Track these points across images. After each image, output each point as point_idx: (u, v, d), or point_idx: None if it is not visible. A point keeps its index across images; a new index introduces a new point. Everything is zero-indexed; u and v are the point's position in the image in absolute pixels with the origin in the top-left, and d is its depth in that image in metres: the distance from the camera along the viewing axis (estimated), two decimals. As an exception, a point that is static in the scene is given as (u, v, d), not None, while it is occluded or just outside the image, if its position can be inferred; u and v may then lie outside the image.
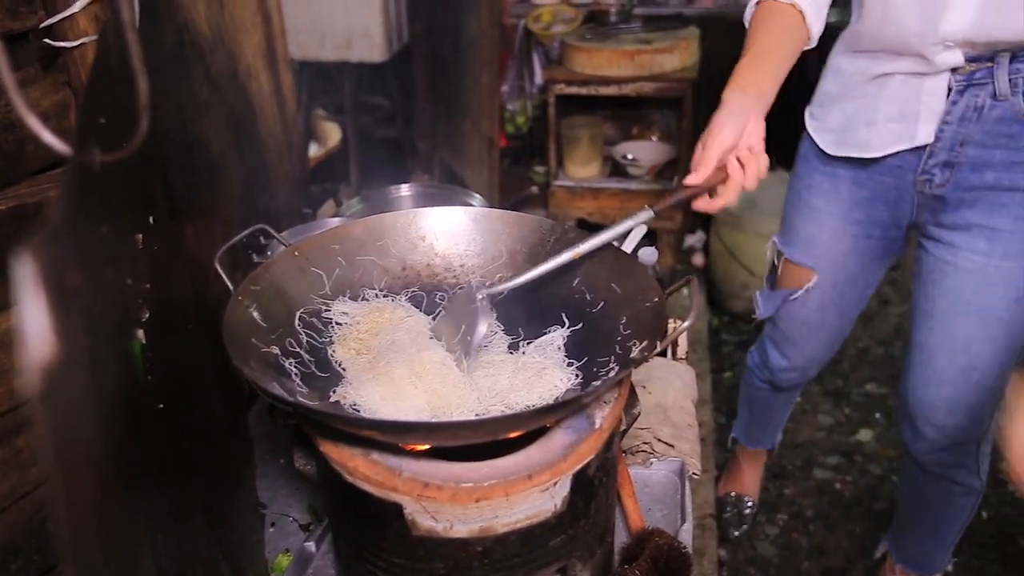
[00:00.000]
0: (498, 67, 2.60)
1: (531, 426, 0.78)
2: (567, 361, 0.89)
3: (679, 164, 2.64)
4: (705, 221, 2.88)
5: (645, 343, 0.83)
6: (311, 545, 1.10)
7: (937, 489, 1.40)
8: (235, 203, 1.45)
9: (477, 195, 1.81)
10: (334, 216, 1.70)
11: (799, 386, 1.68)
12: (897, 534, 1.61)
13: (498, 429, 0.77)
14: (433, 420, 0.79)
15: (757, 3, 1.10)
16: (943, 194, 1.14)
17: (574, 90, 2.50)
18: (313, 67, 2.82)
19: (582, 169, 2.69)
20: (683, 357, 1.46)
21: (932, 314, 1.22)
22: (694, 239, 2.96)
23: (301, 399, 0.81)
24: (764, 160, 0.92)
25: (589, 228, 1.05)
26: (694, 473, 1.20)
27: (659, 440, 1.23)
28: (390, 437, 0.76)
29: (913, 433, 1.35)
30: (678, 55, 2.47)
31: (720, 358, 2.51)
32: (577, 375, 0.87)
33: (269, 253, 1.32)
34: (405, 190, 1.81)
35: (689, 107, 2.49)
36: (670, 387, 1.35)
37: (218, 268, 0.90)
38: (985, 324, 1.15)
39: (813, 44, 1.09)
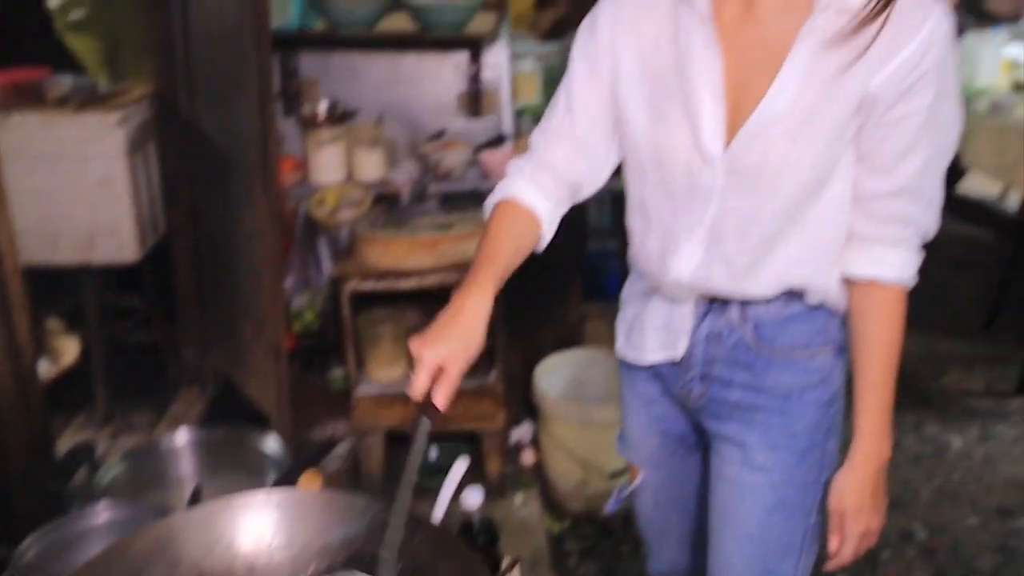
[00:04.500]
0: (282, 265, 2.75)
1: None
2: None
3: (495, 355, 2.90)
4: (531, 410, 3.12)
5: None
6: None
7: None
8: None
9: (273, 434, 1.88)
10: (88, 486, 1.66)
11: None
12: None
13: None
14: None
15: (497, 202, 1.35)
16: (702, 406, 1.40)
17: (369, 286, 2.70)
18: (42, 272, 2.78)
19: (387, 370, 2.85)
20: (518, 585, 1.56)
21: (709, 529, 1.44)
22: (521, 431, 3.16)
23: None
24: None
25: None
26: None
27: None
28: None
29: None
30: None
31: (565, 574, 2.65)
32: None
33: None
34: (180, 438, 1.82)
35: (499, 297, 2.80)
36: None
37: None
38: (740, 540, 1.39)
39: (540, 250, 1.37)
